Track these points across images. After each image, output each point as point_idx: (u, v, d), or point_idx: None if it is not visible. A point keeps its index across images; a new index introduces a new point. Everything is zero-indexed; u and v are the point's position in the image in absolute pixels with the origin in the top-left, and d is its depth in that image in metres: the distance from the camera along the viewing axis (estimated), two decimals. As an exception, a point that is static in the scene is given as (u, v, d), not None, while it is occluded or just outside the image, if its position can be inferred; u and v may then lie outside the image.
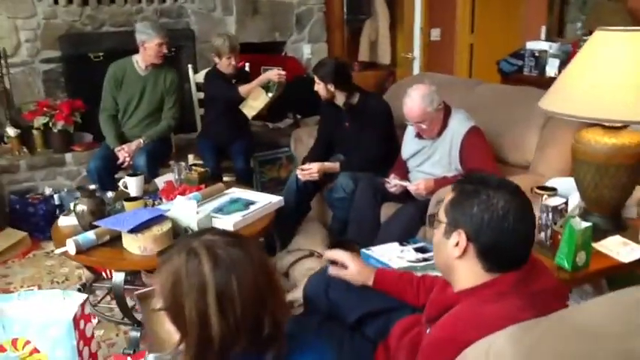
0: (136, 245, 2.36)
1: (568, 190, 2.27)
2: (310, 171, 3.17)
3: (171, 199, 2.83)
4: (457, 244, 1.29)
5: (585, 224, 1.87)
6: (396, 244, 2.25)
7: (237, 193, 2.95)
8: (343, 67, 3.29)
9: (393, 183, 2.86)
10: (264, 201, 2.82)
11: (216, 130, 3.79)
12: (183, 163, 3.09)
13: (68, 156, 3.91)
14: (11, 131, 3.78)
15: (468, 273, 1.29)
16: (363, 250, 2.19)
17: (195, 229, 2.49)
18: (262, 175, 4.37)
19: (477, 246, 1.27)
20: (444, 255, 1.35)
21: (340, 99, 3.23)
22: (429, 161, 2.88)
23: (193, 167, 3.12)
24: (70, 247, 2.36)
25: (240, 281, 1.08)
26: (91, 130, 3.99)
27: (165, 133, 3.71)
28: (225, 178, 3.69)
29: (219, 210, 2.72)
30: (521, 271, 1.27)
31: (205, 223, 2.54)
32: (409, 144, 2.98)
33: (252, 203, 2.80)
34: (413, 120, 2.76)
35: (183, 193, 2.86)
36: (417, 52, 5.43)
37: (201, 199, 2.84)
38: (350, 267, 1.75)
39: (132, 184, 2.97)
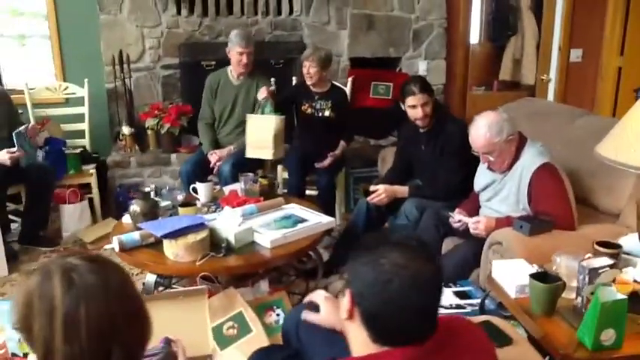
0: (171, 251, 2.42)
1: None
2: (378, 193, 3.02)
3: (232, 207, 2.88)
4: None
5: (620, 296, 1.53)
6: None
7: (294, 209, 2.91)
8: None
9: (457, 218, 2.61)
10: (315, 220, 2.74)
11: (304, 143, 3.78)
12: (251, 174, 3.12)
13: (173, 156, 4.17)
14: (126, 129, 4.12)
15: (356, 339, 1.11)
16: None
17: (233, 241, 2.50)
18: (357, 192, 4.28)
19: (360, 310, 1.09)
20: (338, 315, 1.18)
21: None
22: (497, 197, 2.58)
23: (260, 179, 3.14)
24: (115, 244, 2.49)
25: (90, 309, 1.04)
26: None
27: None
28: (307, 192, 3.68)
29: (267, 225, 2.70)
30: (420, 348, 1.05)
31: (244, 236, 2.54)
32: (481, 176, 2.71)
33: (303, 221, 2.74)
34: (478, 150, 2.50)
35: (241, 204, 2.89)
36: (553, 74, 4.94)
37: (257, 211, 2.85)
38: (321, 310, 1.61)
39: (201, 190, 3.08)
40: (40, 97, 4.12)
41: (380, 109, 4.53)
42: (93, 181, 3.90)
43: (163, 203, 3.01)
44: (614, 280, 1.71)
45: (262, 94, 3.52)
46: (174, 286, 2.85)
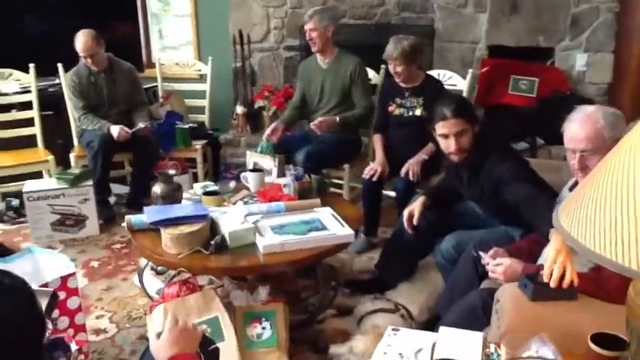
0: (163, 240, 2.34)
1: None
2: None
3: (264, 201, 2.69)
4: None
5: None
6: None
7: (323, 214, 2.59)
8: None
9: (487, 260, 2.04)
10: (332, 231, 2.41)
11: (392, 141, 3.36)
12: (299, 170, 2.87)
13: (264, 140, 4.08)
14: (239, 109, 4.17)
15: None
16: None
17: (227, 239, 2.32)
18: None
19: None
20: None
21: None
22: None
23: (312, 177, 2.87)
24: (127, 223, 2.50)
25: None
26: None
27: (355, 120, 3.45)
28: (385, 192, 3.29)
29: (281, 227, 2.45)
30: None
31: (242, 235, 2.33)
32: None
33: (320, 230, 2.42)
34: (580, 146, 1.85)
35: (273, 200, 2.68)
36: None
37: (285, 210, 2.61)
38: None
39: (251, 179, 2.94)
40: (170, 72, 4.37)
41: (519, 108, 3.86)
42: (198, 156, 4.03)
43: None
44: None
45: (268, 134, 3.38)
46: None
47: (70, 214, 3.48)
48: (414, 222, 2.54)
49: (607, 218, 0.93)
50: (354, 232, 2.40)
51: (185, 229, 2.30)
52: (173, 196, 2.60)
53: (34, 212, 3.41)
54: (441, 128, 2.33)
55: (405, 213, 2.57)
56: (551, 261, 1.65)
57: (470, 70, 3.45)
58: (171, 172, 2.74)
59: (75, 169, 3.62)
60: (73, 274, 2.16)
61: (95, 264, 3.21)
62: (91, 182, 3.52)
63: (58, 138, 4.08)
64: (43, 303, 1.65)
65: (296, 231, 2.41)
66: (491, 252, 2.04)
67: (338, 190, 3.65)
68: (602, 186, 0.97)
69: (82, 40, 3.61)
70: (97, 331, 2.56)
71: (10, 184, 3.81)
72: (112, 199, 3.91)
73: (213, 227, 2.41)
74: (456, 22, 3.92)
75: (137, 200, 3.85)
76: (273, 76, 4.32)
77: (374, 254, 3.15)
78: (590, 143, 1.82)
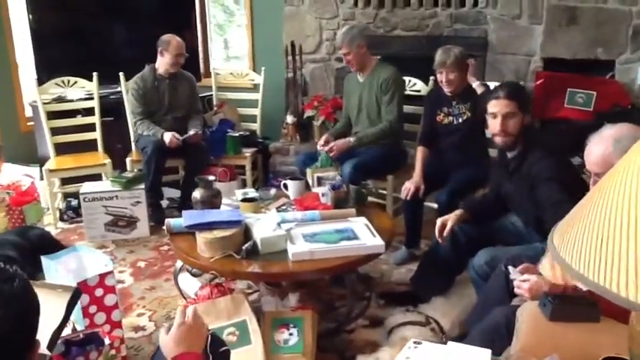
0: (198, 243, 2.41)
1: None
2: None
3: (300, 210, 2.73)
4: None
5: None
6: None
7: (357, 224, 2.58)
8: None
9: (514, 275, 1.98)
10: (363, 241, 2.40)
11: (439, 153, 3.32)
12: (338, 179, 2.89)
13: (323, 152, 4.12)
14: (289, 118, 4.23)
15: None
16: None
17: (259, 245, 2.36)
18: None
19: None
20: None
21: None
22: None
23: (351, 186, 2.88)
24: (166, 225, 2.60)
25: None
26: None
27: (377, 136, 3.44)
28: (426, 203, 3.26)
29: (313, 235, 2.47)
30: None
31: (274, 242, 2.37)
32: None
33: (351, 239, 2.43)
34: (592, 169, 1.82)
35: (308, 208, 2.71)
36: None
37: (320, 218, 2.63)
38: None
39: (291, 187, 2.99)
40: (225, 81, 4.50)
41: (575, 122, 3.71)
42: (247, 163, 4.12)
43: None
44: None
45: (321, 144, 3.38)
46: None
47: (123, 216, 3.64)
48: (445, 233, 2.50)
49: (594, 239, 0.90)
50: (384, 243, 2.38)
51: (219, 233, 2.37)
52: (212, 201, 2.68)
53: (89, 212, 3.59)
54: (492, 107, 2.38)
55: (438, 222, 2.54)
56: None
57: (522, 83, 3.38)
58: (211, 178, 2.80)
59: (129, 173, 3.78)
60: (111, 272, 2.26)
61: (142, 264, 3.33)
62: (143, 186, 3.66)
63: (117, 142, 4.28)
64: (66, 298, 1.73)
65: (327, 240, 2.42)
66: (520, 267, 1.98)
67: (382, 201, 3.65)
68: (594, 207, 0.94)
69: (177, 40, 3.82)
70: (136, 329, 2.66)
71: (71, 185, 4.02)
72: (164, 203, 4.05)
73: (248, 233, 2.46)
74: (509, 34, 3.84)
75: (187, 204, 3.97)
76: (324, 86, 4.36)
77: (414, 266, 3.11)
78: (598, 168, 1.77)
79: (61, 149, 4.06)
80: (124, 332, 2.35)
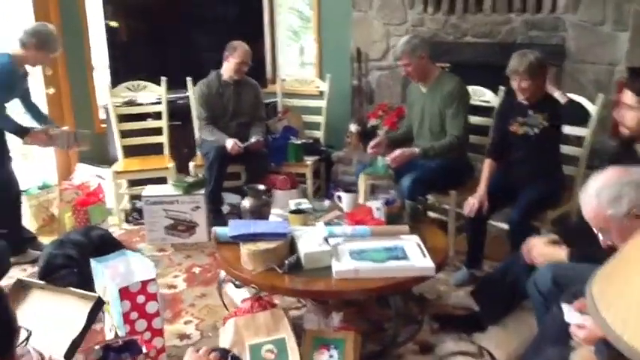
0: (242, 254, 2.36)
1: None
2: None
3: (351, 224, 2.63)
4: None
5: None
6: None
7: (409, 242, 2.44)
8: None
9: (569, 317, 1.77)
10: (412, 262, 2.26)
11: (510, 167, 3.10)
12: (391, 194, 2.75)
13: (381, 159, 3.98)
14: (353, 127, 4.13)
15: None
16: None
17: (302, 260, 2.28)
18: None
19: None
20: None
21: None
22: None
23: (407, 201, 2.74)
24: (213, 234, 2.57)
25: None
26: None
27: (444, 150, 3.26)
28: (491, 222, 3.06)
29: (360, 252, 2.36)
30: None
31: (318, 258, 2.29)
32: None
33: (400, 259, 2.30)
34: (591, 225, 1.69)
35: (361, 222, 2.60)
36: None
37: (370, 234, 2.52)
38: None
39: (345, 200, 2.89)
40: (291, 88, 4.46)
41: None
42: (308, 171, 4.06)
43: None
44: None
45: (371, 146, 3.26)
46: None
47: (182, 220, 3.67)
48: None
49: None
50: (434, 266, 2.23)
51: (262, 245, 2.31)
52: (261, 211, 2.63)
53: (151, 215, 3.65)
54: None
55: (527, 245, 2.31)
56: None
57: (600, 95, 3.10)
58: (261, 187, 2.75)
59: (190, 178, 3.81)
60: (153, 279, 2.25)
61: (197, 270, 3.34)
62: (203, 191, 3.68)
63: (184, 147, 4.34)
64: (88, 306, 1.72)
65: (375, 258, 2.31)
66: (577, 303, 1.77)
67: (443, 218, 3.48)
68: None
69: (245, 48, 3.83)
70: (182, 336, 2.65)
71: (138, 187, 4.11)
72: (225, 209, 4.07)
73: (293, 246, 2.39)
74: (590, 42, 3.55)
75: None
76: (390, 94, 4.23)
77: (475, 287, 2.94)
78: (595, 223, 1.71)
79: (130, 151, 4.17)
80: (165, 341, 2.34)
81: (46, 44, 3.26)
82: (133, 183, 4.20)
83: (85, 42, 4.52)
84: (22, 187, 3.60)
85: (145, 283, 2.23)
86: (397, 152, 3.25)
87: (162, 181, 3.97)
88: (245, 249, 2.31)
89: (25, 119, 3.47)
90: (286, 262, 2.26)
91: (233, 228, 2.41)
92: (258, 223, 2.47)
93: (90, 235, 3.11)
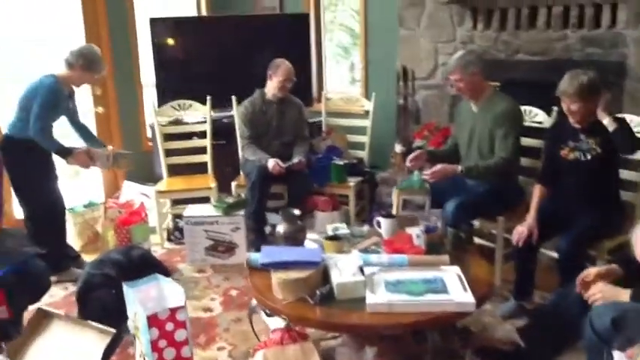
0: (273, 283, 2.28)
1: None
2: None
3: (389, 252, 2.51)
4: None
5: None
6: None
7: (449, 274, 2.30)
8: None
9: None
10: (451, 296, 2.12)
11: (561, 193, 2.91)
12: (433, 221, 2.62)
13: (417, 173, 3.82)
14: (398, 148, 4.01)
15: None
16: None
17: (334, 290, 2.18)
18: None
19: None
20: None
21: None
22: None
23: (449, 229, 2.60)
24: (246, 260, 2.51)
25: None
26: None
27: (489, 171, 3.10)
28: (542, 250, 2.87)
29: (397, 284, 2.23)
30: None
31: (351, 288, 2.18)
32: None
33: (439, 292, 2.16)
34: None
35: (399, 251, 2.48)
36: None
37: (408, 264, 2.39)
38: None
39: (384, 225, 2.78)
40: (336, 107, 4.39)
41: None
42: (350, 193, 3.95)
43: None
44: None
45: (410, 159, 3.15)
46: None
47: (222, 241, 3.64)
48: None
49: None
50: (475, 302, 2.08)
51: (293, 274, 2.22)
52: (295, 236, 2.55)
53: (191, 236, 3.63)
54: None
55: (582, 275, 2.15)
56: None
57: (664, 117, 2.89)
58: (296, 212, 2.67)
59: (230, 198, 3.78)
60: (183, 307, 2.20)
61: (234, 292, 3.29)
62: (243, 212, 3.64)
63: (227, 166, 4.33)
64: (105, 341, 1.67)
65: (412, 290, 2.18)
66: (629, 351, 1.60)
67: (490, 244, 3.30)
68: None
69: (288, 66, 3.81)
70: (213, 364, 2.59)
71: (181, 206, 4.11)
72: (267, 229, 4.01)
73: (326, 275, 2.29)
74: (654, 58, 3.32)
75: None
76: (437, 114, 4.09)
77: (522, 322, 2.76)
78: None
79: (174, 170, 4.19)
80: (194, 369, 2.28)
81: (92, 65, 3.32)
82: (176, 202, 4.21)
83: (134, 61, 4.60)
84: (68, 205, 3.66)
85: (173, 311, 2.17)
86: (438, 167, 3.12)
87: (205, 200, 3.96)
88: (276, 277, 2.23)
89: (74, 139, 3.54)
90: (318, 292, 2.16)
91: (264, 255, 2.34)
92: (290, 250, 2.39)
93: (130, 255, 3.11)
